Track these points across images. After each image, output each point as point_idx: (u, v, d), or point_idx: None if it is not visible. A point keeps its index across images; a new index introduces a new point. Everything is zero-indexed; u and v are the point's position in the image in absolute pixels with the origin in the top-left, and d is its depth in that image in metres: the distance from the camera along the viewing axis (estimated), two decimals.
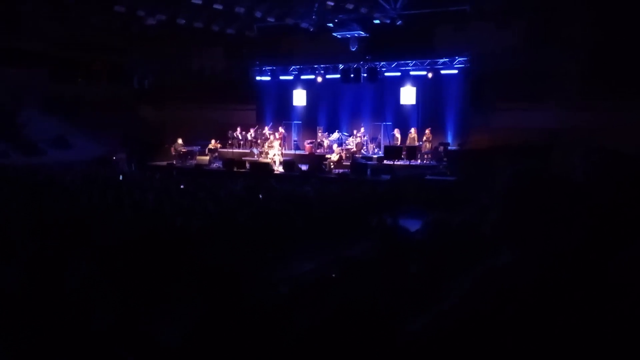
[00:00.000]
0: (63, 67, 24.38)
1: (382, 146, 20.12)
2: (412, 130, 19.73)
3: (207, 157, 21.21)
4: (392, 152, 18.91)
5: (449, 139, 19.77)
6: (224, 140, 22.53)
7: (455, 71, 19.66)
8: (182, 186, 14.43)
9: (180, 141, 21.82)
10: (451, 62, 19.63)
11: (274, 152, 20.03)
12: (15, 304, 5.07)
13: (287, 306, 5.63)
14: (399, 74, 20.76)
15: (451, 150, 18.75)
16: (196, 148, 22.01)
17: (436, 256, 7.40)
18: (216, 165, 20.87)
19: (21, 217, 8.89)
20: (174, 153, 21.76)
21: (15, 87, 22.52)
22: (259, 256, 7.12)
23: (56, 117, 22.96)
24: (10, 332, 4.46)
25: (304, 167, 18.83)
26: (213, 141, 21.92)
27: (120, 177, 16.36)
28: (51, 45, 23.23)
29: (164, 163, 21.19)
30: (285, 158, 19.98)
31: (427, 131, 19.32)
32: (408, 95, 20.73)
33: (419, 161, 18.75)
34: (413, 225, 9.75)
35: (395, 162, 18.40)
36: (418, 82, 20.53)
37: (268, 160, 19.64)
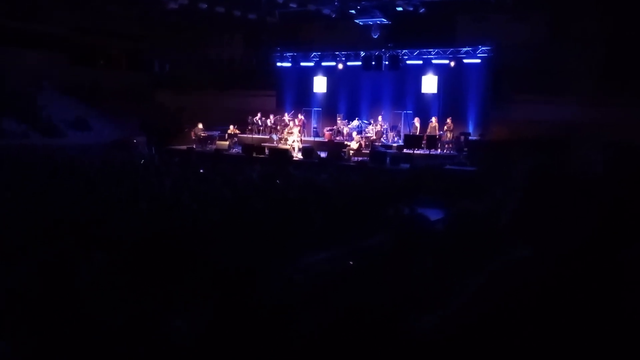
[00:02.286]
0: (83, 52, 24.59)
1: (402, 135, 19.96)
2: (433, 119, 19.53)
3: (227, 142, 21.25)
4: (412, 141, 18.76)
5: (470, 129, 19.55)
6: (244, 126, 22.54)
7: (478, 60, 19.40)
8: (201, 170, 14.47)
9: (200, 126, 21.88)
10: (474, 51, 19.35)
11: (293, 138, 20.00)
12: (27, 298, 5.10)
13: (301, 296, 5.60)
14: (420, 62, 20.52)
15: (472, 141, 18.54)
16: (216, 133, 22.05)
17: (454, 248, 7.32)
18: (235, 150, 20.90)
19: (36, 202, 8.97)
20: (194, 137, 21.83)
21: (35, 70, 22.78)
22: (274, 245, 7.09)
23: (75, 100, 23.20)
24: (21, 329, 4.47)
25: (323, 155, 18.76)
26: (232, 126, 21.94)
27: (142, 161, 16.46)
28: (71, 30, 23.42)
29: (184, 147, 21.28)
30: (304, 145, 19.92)
31: (448, 120, 19.11)
32: (429, 83, 20.51)
33: (439, 151, 18.58)
34: (432, 215, 9.69)
35: (415, 151, 18.26)
36: (440, 70, 20.29)
37: (287, 147, 19.61)
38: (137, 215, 8.36)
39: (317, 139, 21.57)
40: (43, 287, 5.32)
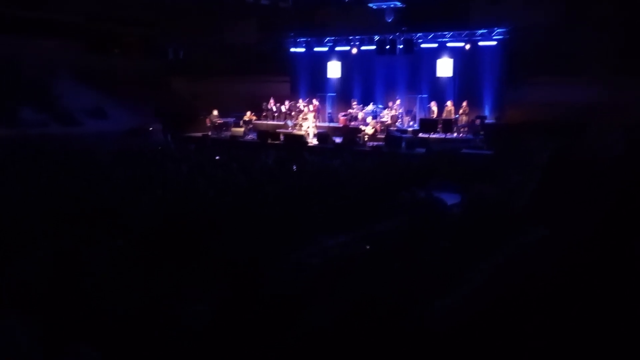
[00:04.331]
0: (98, 40, 24.69)
1: (417, 119, 19.85)
2: (449, 103, 19.37)
3: (242, 129, 21.30)
4: (427, 125, 18.64)
5: (486, 113, 19.37)
6: (259, 112, 22.55)
7: (494, 43, 19.17)
8: (217, 157, 14.53)
9: (215, 112, 21.94)
10: (490, 33, 19.11)
11: (308, 124, 19.98)
12: (44, 283, 5.18)
13: (318, 280, 5.63)
14: (435, 45, 20.33)
15: (488, 124, 18.38)
16: (231, 120, 22.10)
17: (470, 232, 7.30)
18: (251, 137, 20.94)
19: (53, 191, 9.08)
20: (209, 124, 21.90)
21: (51, 59, 22.92)
22: (290, 229, 7.12)
23: (92, 88, 23.34)
24: (37, 313, 4.55)
25: (338, 140, 18.72)
26: (248, 113, 21.96)
27: (158, 149, 16.56)
28: (86, 18, 23.51)
29: (199, 134, 21.37)
30: (319, 130, 19.89)
31: (463, 104, 18.95)
32: (444, 67, 20.32)
33: (455, 134, 18.44)
34: (449, 199, 9.65)
35: (431, 135, 18.15)
36: (455, 53, 20.09)
37: (302, 133, 19.60)
38: (153, 202, 8.44)
39: (331, 124, 21.52)
40: (59, 272, 5.40)
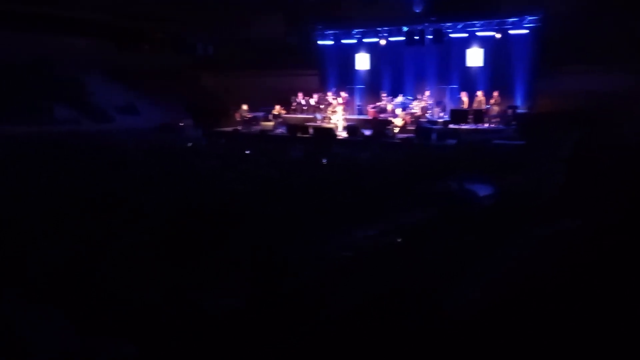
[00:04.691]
0: (128, 37, 25.01)
1: (447, 110, 19.63)
2: (479, 93, 19.11)
3: (271, 123, 21.39)
4: (458, 115, 18.42)
5: (518, 102, 19.04)
6: (288, 106, 22.59)
7: (526, 31, 18.80)
8: (247, 151, 14.62)
9: (245, 107, 22.06)
10: (521, 21, 18.74)
11: (337, 117, 19.94)
12: (77, 278, 5.27)
13: (348, 272, 5.62)
14: (465, 35, 20.04)
15: (520, 114, 18.08)
16: (260, 114, 22.21)
17: (502, 223, 7.18)
18: (280, 130, 21.01)
19: (86, 187, 9.26)
20: (239, 119, 22.04)
21: (82, 56, 23.34)
22: (320, 223, 7.12)
23: (123, 85, 23.70)
24: (72, 307, 4.62)
25: (367, 132, 18.65)
26: (277, 107, 22.02)
27: (189, 144, 16.74)
28: (115, 16, 23.84)
29: (230, 129, 21.51)
30: (348, 123, 19.84)
31: (495, 94, 18.66)
32: (475, 57, 20.02)
33: (486, 125, 18.18)
34: (480, 191, 9.52)
35: (462, 126, 17.93)
36: (485, 43, 19.77)
37: (331, 126, 19.58)
38: (183, 196, 8.53)
39: (361, 116, 21.45)
40: (91, 266, 5.50)
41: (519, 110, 18.38)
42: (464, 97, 19.37)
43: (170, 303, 4.71)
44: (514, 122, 17.35)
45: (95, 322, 4.25)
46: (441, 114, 19.79)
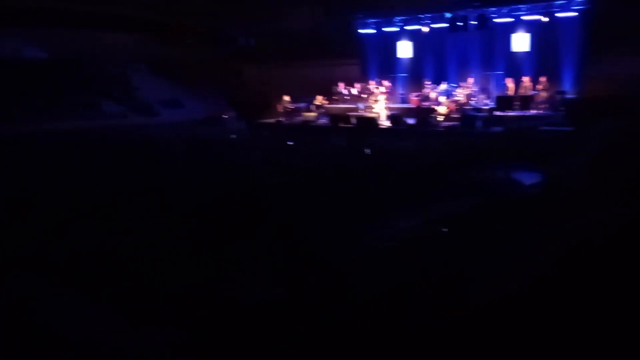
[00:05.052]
0: (171, 32, 25.45)
1: (492, 97, 19.21)
2: (526, 78, 18.61)
3: (314, 113, 21.40)
4: (504, 102, 18.01)
5: (566, 87, 18.47)
6: (330, 96, 22.55)
7: (575, 14, 18.17)
8: (290, 143, 14.70)
9: (287, 98, 22.14)
10: (569, 4, 18.13)
11: (380, 106, 19.80)
12: (115, 264, 5.40)
13: (393, 262, 5.60)
14: (510, 19, 19.53)
15: (568, 99, 17.53)
16: (303, 105, 22.24)
17: (550, 211, 7.01)
18: (322, 121, 21.01)
19: (135, 179, 9.48)
20: (281, 110, 22.15)
21: (127, 52, 23.88)
22: (364, 213, 7.10)
23: (167, 79, 24.14)
24: (115, 296, 4.73)
25: (410, 121, 18.46)
26: (319, 97, 22.01)
27: (233, 136, 16.95)
28: (158, 11, 24.28)
29: (272, 120, 21.63)
30: (391, 112, 19.67)
31: (542, 79, 18.15)
32: (520, 41, 19.49)
33: (533, 111, 17.72)
34: (527, 179, 9.33)
35: (508, 113, 17.53)
36: (531, 27, 19.20)
37: (374, 115, 19.45)
38: (229, 188, 8.64)
39: (404, 105, 21.22)
40: (139, 257, 5.64)
41: (567, 96, 17.83)
42: (510, 83, 18.91)
43: (213, 292, 4.79)
44: (562, 108, 16.85)
45: (142, 312, 4.36)
46: (486, 101, 19.38)
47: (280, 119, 21.68)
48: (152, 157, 12.21)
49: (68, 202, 7.81)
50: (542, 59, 19.03)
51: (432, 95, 20.20)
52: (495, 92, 19.38)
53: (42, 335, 3.83)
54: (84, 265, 5.38)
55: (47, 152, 13.29)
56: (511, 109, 17.75)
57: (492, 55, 20.16)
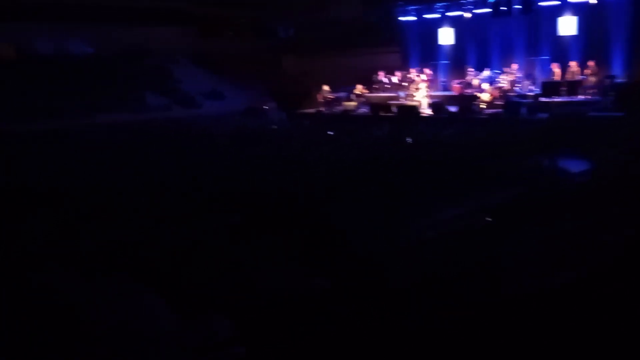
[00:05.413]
0: (212, 24, 25.69)
1: (538, 82, 18.71)
2: (573, 63, 18.02)
3: (354, 103, 21.30)
4: (550, 88, 17.52)
5: (616, 72, 17.81)
6: (370, 85, 22.40)
7: None
8: (330, 132, 14.68)
9: (326, 88, 22.09)
10: None
11: (421, 94, 19.55)
12: (171, 258, 5.48)
13: (434, 253, 5.52)
14: (557, 2, 18.92)
15: (618, 84, 16.90)
16: (343, 94, 22.17)
17: (598, 201, 6.79)
18: (362, 110, 20.90)
19: (178, 171, 9.63)
20: (321, 100, 22.12)
21: (169, 45, 24.26)
22: (405, 202, 7.02)
23: (209, 71, 24.42)
24: (169, 285, 4.81)
25: (452, 109, 18.17)
26: (359, 86, 21.89)
27: (273, 127, 17.03)
28: (199, 3, 24.54)
29: (312, 110, 21.64)
30: (432, 100, 19.40)
31: (590, 63, 17.54)
32: (567, 25, 18.87)
33: (581, 97, 17.17)
34: (574, 167, 9.05)
35: (554, 99, 17.04)
36: (579, 10, 18.56)
37: (415, 103, 19.22)
38: (269, 178, 8.69)
39: (445, 93, 20.90)
40: (185, 248, 5.72)
41: (617, 80, 17.20)
42: (556, 68, 18.36)
43: (257, 283, 4.82)
44: (611, 93, 16.27)
45: (190, 303, 4.42)
46: (531, 87, 18.88)
47: (320, 109, 21.67)
48: (195, 149, 12.38)
49: (114, 193, 8.00)
50: (590, 42, 18.39)
51: (475, 82, 19.82)
52: (540, 78, 18.87)
53: (94, 327, 3.94)
54: (133, 257, 5.50)
55: (93, 145, 13.64)
56: (558, 94, 17.26)
57: (537, 39, 19.61)
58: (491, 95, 18.18)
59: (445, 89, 21.41)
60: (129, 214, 6.95)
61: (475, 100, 18.06)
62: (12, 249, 5.58)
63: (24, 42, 21.67)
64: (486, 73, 19.81)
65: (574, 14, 18.65)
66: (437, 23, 22.03)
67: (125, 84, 21.97)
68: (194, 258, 5.49)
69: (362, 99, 21.60)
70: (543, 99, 17.18)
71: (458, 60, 21.56)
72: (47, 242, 5.83)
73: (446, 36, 21.99)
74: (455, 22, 21.56)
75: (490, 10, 19.79)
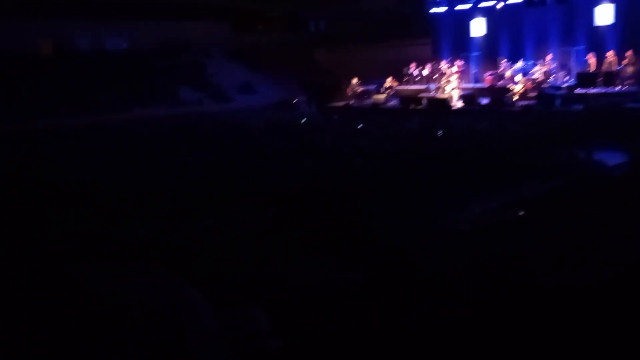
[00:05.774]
0: (243, 18, 25.82)
1: (573, 74, 18.32)
2: (610, 53, 17.59)
3: (383, 96, 21.20)
4: (586, 79, 17.13)
5: None
6: (400, 78, 22.25)
7: None
8: (359, 126, 14.66)
9: (355, 81, 22.02)
10: None
11: (452, 86, 19.34)
12: (205, 249, 5.57)
13: (468, 247, 5.50)
14: None
15: None
16: (372, 87, 22.08)
17: (634, 195, 6.66)
18: (392, 103, 20.78)
19: (210, 164, 9.75)
20: (350, 93, 22.08)
21: (202, 39, 24.49)
22: (437, 196, 7.00)
23: (240, 65, 24.59)
24: (204, 277, 4.90)
25: (484, 101, 17.93)
26: (389, 79, 21.77)
27: (303, 120, 17.08)
28: None
29: (342, 104, 21.62)
30: (463, 92, 19.17)
31: (628, 53, 17.09)
32: (604, 14, 18.40)
33: (618, 88, 16.76)
34: (611, 160, 8.88)
35: (590, 91, 16.68)
36: None
37: (445, 96, 19.04)
38: (300, 172, 8.75)
39: (477, 85, 20.63)
40: (221, 240, 5.81)
41: None
42: (592, 58, 17.92)
43: (292, 276, 4.88)
44: None
45: (227, 295, 4.50)
46: (566, 78, 18.51)
47: (350, 102, 21.63)
48: (227, 143, 12.52)
49: (150, 187, 8.15)
50: (627, 31, 17.90)
51: (508, 73, 19.51)
52: (576, 69, 18.47)
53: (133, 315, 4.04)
54: (168, 250, 5.61)
55: (130, 139, 13.90)
56: (594, 86, 16.88)
57: (573, 29, 19.15)
58: (524, 87, 17.89)
59: (477, 81, 21.14)
60: (164, 207, 7.09)
61: (507, 93, 17.79)
62: (53, 242, 5.75)
63: (61, 38, 22.17)
64: (519, 64, 19.47)
65: (611, 2, 18.19)
66: (469, 14, 21.74)
67: (160, 79, 22.31)
68: (228, 251, 5.58)
69: (392, 92, 21.48)
70: (578, 91, 16.83)
71: (490, 52, 21.23)
72: (85, 235, 5.98)
73: (478, 27, 21.69)
74: (488, 13, 21.24)
75: (523, 0, 19.45)
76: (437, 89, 20.03)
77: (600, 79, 17.00)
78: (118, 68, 21.73)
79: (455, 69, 20.52)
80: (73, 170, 9.69)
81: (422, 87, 21.11)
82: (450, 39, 22.62)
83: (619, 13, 18.10)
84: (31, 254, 5.14)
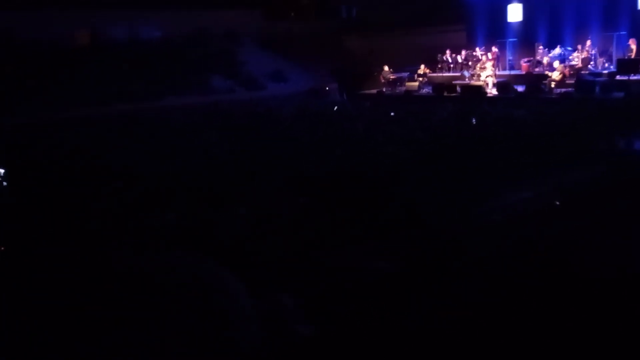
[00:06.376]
0: (275, 6, 25.78)
1: (614, 60, 17.76)
2: None
3: (416, 83, 20.93)
4: (627, 65, 16.61)
5: None
6: (434, 65, 21.92)
7: None
8: (392, 113, 14.53)
9: (386, 68, 21.78)
10: None
11: (487, 73, 18.97)
12: (242, 237, 5.58)
13: (500, 237, 5.38)
14: None
15: None
16: (405, 74, 21.81)
17: None
18: (426, 90, 20.52)
19: (243, 151, 9.78)
20: (382, 81, 21.86)
21: (234, 28, 24.56)
22: (471, 184, 6.88)
23: (272, 53, 24.59)
24: (241, 264, 4.90)
25: (520, 89, 17.56)
26: (422, 66, 21.47)
27: (335, 108, 17.00)
28: None
29: (374, 91, 21.44)
30: (499, 79, 18.80)
31: None
32: None
33: None
34: None
35: (631, 77, 16.16)
36: None
37: (480, 83, 18.70)
38: (332, 159, 8.70)
39: (513, 72, 20.20)
40: (256, 227, 5.82)
41: None
42: (633, 44, 17.35)
43: (330, 264, 4.86)
44: None
45: (264, 281, 4.51)
46: (606, 65, 17.97)
47: (382, 89, 21.43)
48: (261, 130, 12.54)
49: (185, 175, 8.22)
50: None
51: (545, 60, 19.05)
52: (616, 55, 17.90)
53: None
54: (204, 237, 5.65)
55: (165, 127, 14.05)
56: (635, 72, 16.34)
57: (614, 14, 18.55)
58: (561, 73, 17.44)
59: (512, 67, 20.69)
60: (197, 195, 7.13)
61: (544, 79, 17.38)
62: (96, 228, 5.83)
63: (96, 29, 22.52)
64: (557, 50, 18.98)
65: None
66: None
67: (192, 67, 22.48)
68: (260, 238, 5.58)
69: (425, 79, 21.20)
70: (619, 77, 16.33)
71: (527, 38, 20.72)
72: (124, 221, 6.06)
73: (514, 13, 21.19)
74: None
75: None
76: (472, 76, 19.69)
77: None
78: (151, 57, 21.97)
79: (490, 55, 20.12)
80: (108, 158, 9.83)
81: (456, 74, 20.78)
82: (485, 24, 22.15)
83: None
84: (81, 244, 5.22)
